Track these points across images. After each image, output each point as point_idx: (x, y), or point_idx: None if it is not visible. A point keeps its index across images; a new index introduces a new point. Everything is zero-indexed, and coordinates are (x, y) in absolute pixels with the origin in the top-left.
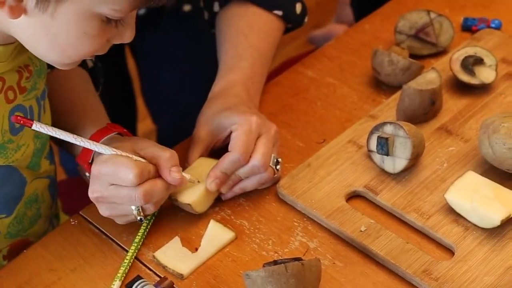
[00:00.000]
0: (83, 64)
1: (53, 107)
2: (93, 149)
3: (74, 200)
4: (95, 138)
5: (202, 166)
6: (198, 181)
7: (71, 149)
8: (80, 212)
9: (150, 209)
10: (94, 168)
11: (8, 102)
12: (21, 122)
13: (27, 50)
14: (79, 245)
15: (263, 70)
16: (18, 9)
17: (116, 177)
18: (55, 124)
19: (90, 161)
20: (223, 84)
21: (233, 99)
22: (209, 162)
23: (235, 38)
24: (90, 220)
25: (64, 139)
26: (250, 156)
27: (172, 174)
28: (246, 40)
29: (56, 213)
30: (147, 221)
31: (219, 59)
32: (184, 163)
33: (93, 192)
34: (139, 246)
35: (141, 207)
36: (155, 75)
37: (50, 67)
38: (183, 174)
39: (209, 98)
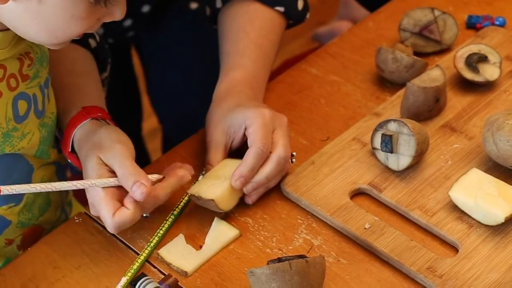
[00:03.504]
0: (85, 44)
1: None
2: (68, 188)
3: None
4: (71, 125)
5: (226, 166)
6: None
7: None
8: (85, 210)
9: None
10: (86, 193)
11: (11, 89)
12: None
13: None
14: (83, 243)
15: (266, 67)
16: None
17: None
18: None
19: (70, 150)
20: (227, 84)
21: (240, 96)
22: (233, 163)
23: (236, 35)
24: (95, 218)
25: (37, 191)
26: (272, 151)
27: (135, 194)
28: (247, 37)
29: (68, 200)
30: (165, 227)
31: (220, 57)
32: (206, 165)
33: (92, 209)
34: (152, 250)
35: None
36: (161, 75)
37: None
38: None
39: (214, 99)
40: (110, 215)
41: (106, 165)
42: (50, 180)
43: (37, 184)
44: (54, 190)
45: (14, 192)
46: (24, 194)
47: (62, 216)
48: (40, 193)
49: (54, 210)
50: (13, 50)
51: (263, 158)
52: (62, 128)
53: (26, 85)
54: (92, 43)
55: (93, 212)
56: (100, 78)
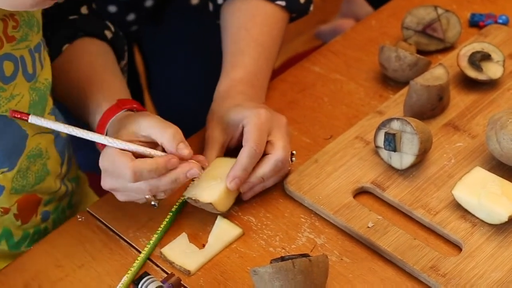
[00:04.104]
0: (102, 36)
1: (72, 81)
2: (89, 138)
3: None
4: (105, 117)
5: (221, 166)
6: None
7: (84, 116)
8: (87, 209)
9: (162, 195)
10: (99, 161)
11: None
12: (18, 116)
13: None
14: (86, 242)
15: (268, 64)
16: None
17: (117, 173)
18: (75, 99)
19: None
20: (228, 83)
21: (240, 96)
22: (227, 162)
23: (237, 33)
24: (97, 217)
25: (58, 129)
26: (270, 153)
27: (180, 151)
28: (248, 35)
29: (73, 176)
30: (166, 225)
31: (223, 55)
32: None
33: (104, 184)
34: (154, 247)
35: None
36: (162, 72)
37: (68, 41)
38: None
39: (215, 98)
40: (128, 163)
41: (137, 137)
42: (46, 147)
43: (64, 124)
44: (77, 135)
45: (41, 124)
46: (17, 160)
47: (62, 188)
48: (35, 161)
49: (53, 179)
50: None
51: (257, 158)
52: (91, 124)
53: (11, 46)
54: (108, 34)
55: (106, 185)
56: (120, 71)
